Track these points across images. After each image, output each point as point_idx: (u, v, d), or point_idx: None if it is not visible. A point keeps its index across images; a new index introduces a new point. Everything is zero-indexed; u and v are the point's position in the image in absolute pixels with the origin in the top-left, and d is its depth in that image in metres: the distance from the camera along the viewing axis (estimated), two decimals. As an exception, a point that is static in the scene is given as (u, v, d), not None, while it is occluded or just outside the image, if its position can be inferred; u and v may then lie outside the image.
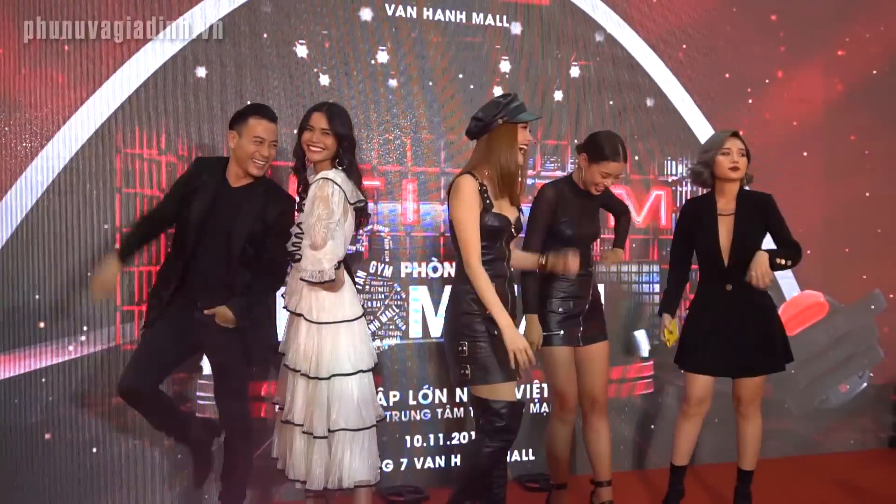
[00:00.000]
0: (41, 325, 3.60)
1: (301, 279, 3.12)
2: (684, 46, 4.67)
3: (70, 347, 3.62)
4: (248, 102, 3.81)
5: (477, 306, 2.99)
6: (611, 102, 4.51)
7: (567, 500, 3.67)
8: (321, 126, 3.20)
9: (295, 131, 3.33)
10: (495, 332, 2.96)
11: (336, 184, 3.10)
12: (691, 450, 3.77)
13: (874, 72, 5.10)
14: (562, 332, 3.49)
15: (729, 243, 3.58)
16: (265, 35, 3.90)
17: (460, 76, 4.24)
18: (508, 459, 3.29)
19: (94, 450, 3.66)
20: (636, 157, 4.55)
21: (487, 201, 3.00)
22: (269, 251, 3.29)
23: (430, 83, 4.20)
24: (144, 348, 3.34)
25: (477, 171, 3.04)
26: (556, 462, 3.61)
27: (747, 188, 3.74)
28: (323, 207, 3.06)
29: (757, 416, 3.71)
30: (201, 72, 3.80)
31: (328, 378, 3.15)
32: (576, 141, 4.25)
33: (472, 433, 4.02)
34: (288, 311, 3.27)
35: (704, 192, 3.76)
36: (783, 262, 3.50)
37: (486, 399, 2.99)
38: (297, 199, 3.31)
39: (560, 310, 3.50)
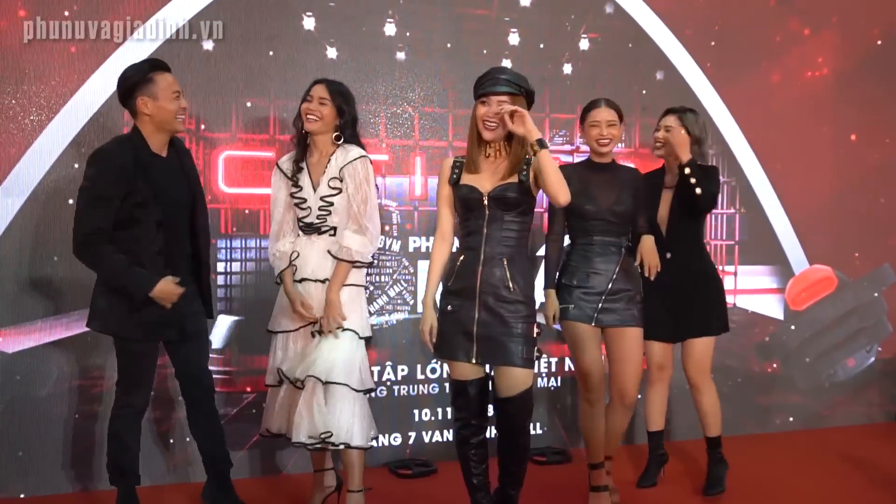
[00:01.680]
0: (51, 300, 3.60)
1: (338, 258, 3.16)
2: (695, 18, 4.62)
3: (73, 319, 3.61)
4: (256, 77, 3.80)
5: (445, 278, 3.02)
6: (622, 75, 4.47)
7: (603, 478, 3.51)
8: (319, 95, 3.19)
9: (297, 104, 3.30)
10: (448, 308, 2.95)
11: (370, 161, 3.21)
12: (662, 415, 3.89)
13: (879, 42, 5.04)
14: (571, 305, 3.42)
15: (667, 216, 3.72)
16: (272, 6, 3.86)
17: (469, 49, 4.20)
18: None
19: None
20: (645, 128, 4.51)
21: (455, 174, 2.99)
22: (204, 212, 3.27)
23: (438, 56, 4.16)
24: (148, 363, 3.15)
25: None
26: (587, 442, 3.52)
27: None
28: (369, 189, 3.17)
29: (708, 384, 3.75)
30: (208, 45, 3.77)
31: (341, 331, 3.17)
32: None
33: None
34: (287, 281, 3.24)
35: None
36: (693, 179, 3.56)
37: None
38: (291, 168, 3.26)
39: (574, 282, 3.43)
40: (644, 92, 4.52)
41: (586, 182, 3.46)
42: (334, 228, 3.22)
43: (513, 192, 2.91)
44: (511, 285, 2.90)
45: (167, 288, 3.03)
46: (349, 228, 3.19)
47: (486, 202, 2.92)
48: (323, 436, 3.08)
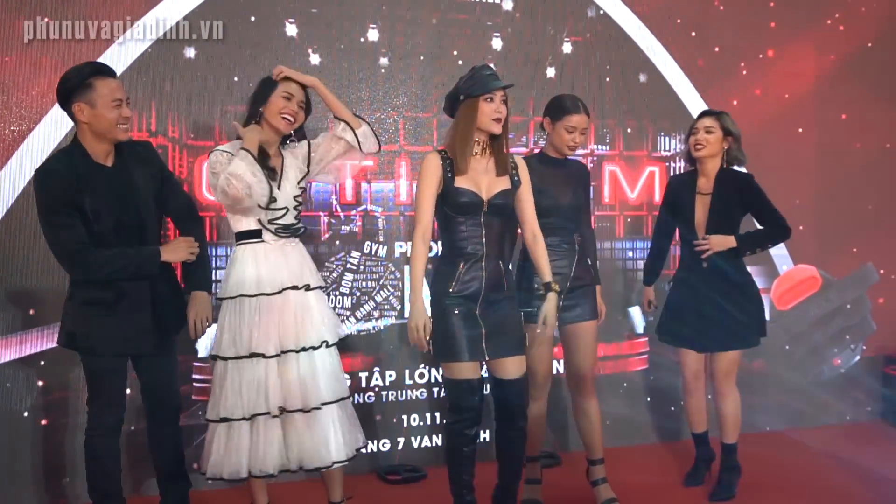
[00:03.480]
0: (31, 311, 3.58)
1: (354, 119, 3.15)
2: (677, 21, 4.64)
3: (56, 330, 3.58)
4: (239, 84, 3.80)
5: (442, 283, 3.03)
6: (606, 79, 4.49)
7: (538, 472, 3.62)
8: (300, 98, 3.11)
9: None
10: (455, 312, 2.99)
11: None
12: (704, 417, 3.90)
13: (869, 44, 5.08)
14: (534, 308, 3.35)
15: (705, 222, 3.67)
16: (254, 14, 3.85)
17: (452, 53, 4.20)
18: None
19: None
20: (628, 131, 4.53)
21: (449, 174, 3.00)
22: (178, 197, 3.13)
23: (422, 61, 4.16)
24: (118, 379, 3.02)
25: (448, 148, 3.06)
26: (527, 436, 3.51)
27: (737, 168, 3.78)
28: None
29: (733, 391, 3.76)
30: (190, 52, 3.75)
31: (318, 347, 3.06)
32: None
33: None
34: (259, 295, 3.02)
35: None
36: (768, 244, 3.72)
37: (444, 375, 3.09)
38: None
39: (536, 286, 3.39)
40: (627, 95, 4.54)
41: (543, 177, 3.43)
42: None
43: (510, 200, 3.09)
44: (506, 283, 3.10)
45: (176, 245, 2.99)
46: (340, 132, 3.16)
47: (485, 209, 3.03)
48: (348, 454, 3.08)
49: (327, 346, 3.09)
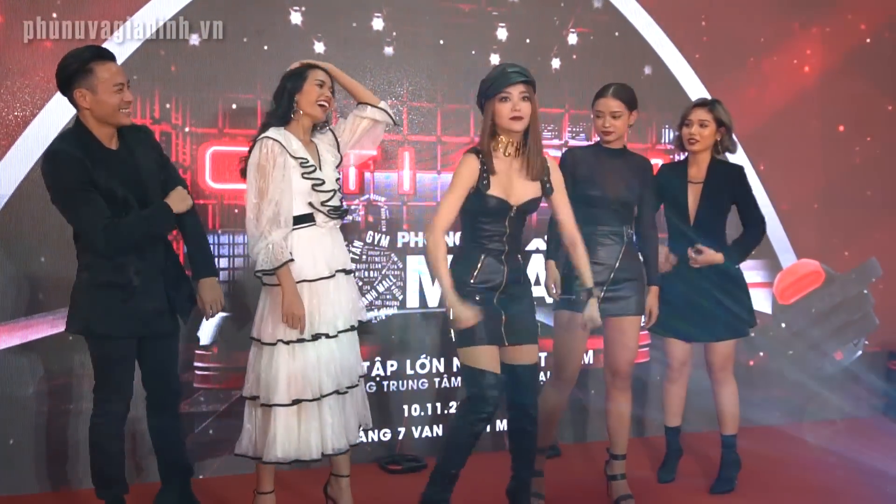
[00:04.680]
0: (40, 296, 3.57)
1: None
2: (683, 13, 4.63)
3: (59, 317, 3.58)
4: (243, 73, 3.78)
5: (462, 273, 3.01)
6: (611, 71, 4.47)
7: (542, 463, 3.54)
8: (330, 83, 3.15)
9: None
10: (476, 298, 2.97)
11: None
12: (681, 411, 3.90)
13: (875, 39, 5.06)
14: (573, 296, 3.36)
15: (696, 210, 3.68)
16: (259, 1, 3.83)
17: (457, 43, 4.19)
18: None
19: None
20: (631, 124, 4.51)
21: (484, 181, 2.95)
22: (176, 182, 3.10)
23: (426, 51, 4.15)
24: (126, 366, 3.03)
25: (482, 147, 2.99)
26: (540, 427, 3.44)
27: (729, 157, 3.79)
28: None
29: (730, 380, 3.76)
30: (194, 40, 3.74)
31: (355, 328, 3.21)
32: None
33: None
34: (314, 276, 3.08)
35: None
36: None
37: (463, 364, 3.05)
38: (294, 146, 3.08)
39: (576, 277, 3.34)
40: (632, 87, 4.51)
41: (594, 167, 3.42)
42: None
43: (535, 205, 3.09)
44: (523, 276, 3.14)
45: (176, 195, 3.02)
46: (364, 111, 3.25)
47: (512, 214, 3.02)
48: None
49: (353, 329, 3.20)
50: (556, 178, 3.11)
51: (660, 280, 3.56)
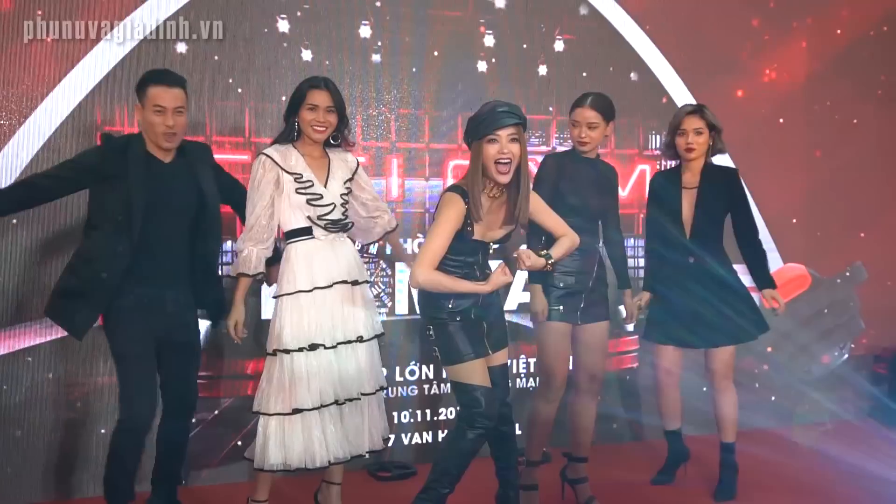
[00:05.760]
0: (34, 302, 3.54)
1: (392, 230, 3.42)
2: (668, 20, 4.66)
3: (46, 326, 3.56)
4: (230, 80, 3.79)
5: (439, 300, 2.98)
6: (597, 77, 4.49)
7: (536, 476, 3.58)
8: (326, 104, 3.10)
9: (274, 106, 3.26)
10: (458, 319, 2.98)
11: None
12: (679, 413, 3.91)
13: (861, 41, 5.11)
14: (561, 307, 3.42)
15: (691, 217, 3.67)
16: (247, 9, 3.84)
17: (444, 50, 4.20)
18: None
19: (103, 431, 3.66)
20: (619, 129, 4.54)
21: (469, 228, 2.93)
22: (236, 189, 3.29)
23: (414, 58, 4.16)
24: (147, 369, 3.08)
25: (468, 189, 2.92)
26: (534, 440, 3.55)
27: (722, 161, 3.83)
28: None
29: (731, 389, 3.76)
30: (181, 48, 3.74)
31: (377, 336, 3.26)
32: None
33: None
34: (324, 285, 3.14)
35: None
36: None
37: (455, 382, 3.04)
38: (291, 163, 3.11)
39: (561, 284, 3.43)
40: (618, 93, 4.53)
41: (573, 176, 3.44)
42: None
43: (510, 237, 3.10)
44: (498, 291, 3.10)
45: None
46: (384, 211, 3.38)
47: (489, 248, 3.04)
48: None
49: (361, 340, 3.18)
50: (534, 201, 3.05)
51: (629, 283, 3.69)
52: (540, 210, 3.10)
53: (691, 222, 3.67)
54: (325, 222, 3.12)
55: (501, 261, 3.02)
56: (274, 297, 3.16)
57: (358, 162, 3.30)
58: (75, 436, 3.64)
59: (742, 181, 3.76)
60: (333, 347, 3.11)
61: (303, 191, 3.08)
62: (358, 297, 3.20)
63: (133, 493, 3.15)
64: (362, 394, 3.17)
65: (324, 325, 3.09)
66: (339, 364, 3.12)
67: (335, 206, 3.14)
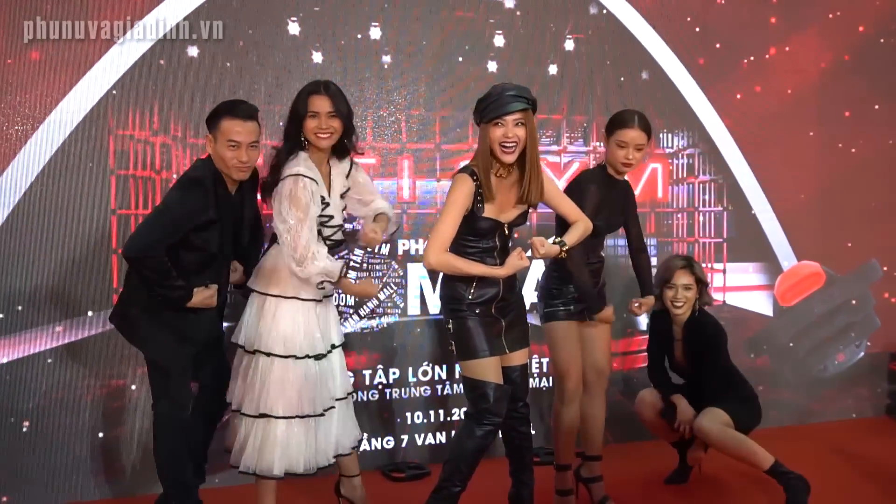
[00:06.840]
0: (40, 307, 3.58)
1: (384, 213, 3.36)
2: (679, 18, 4.64)
3: (61, 329, 3.60)
4: (242, 83, 3.80)
5: (459, 290, 3.03)
6: (608, 76, 4.49)
7: (570, 480, 3.57)
8: (326, 110, 3.06)
9: (286, 109, 3.25)
10: (476, 311, 3.01)
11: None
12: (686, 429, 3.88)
13: (872, 40, 5.07)
14: (571, 307, 3.41)
15: (685, 363, 3.90)
16: (257, 12, 3.85)
17: (454, 51, 4.20)
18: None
19: (101, 434, 3.69)
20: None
21: (479, 204, 2.96)
22: (255, 246, 3.33)
23: (424, 58, 4.16)
24: (183, 361, 3.13)
25: (477, 169, 2.97)
26: (561, 444, 3.52)
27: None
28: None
29: (729, 438, 3.67)
30: (193, 51, 3.76)
31: (336, 346, 3.28)
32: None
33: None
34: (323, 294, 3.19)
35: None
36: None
37: (466, 377, 3.06)
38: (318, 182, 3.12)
39: (572, 288, 3.41)
40: (629, 92, 4.53)
41: (605, 198, 3.39)
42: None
43: (525, 218, 3.12)
44: (517, 283, 3.18)
45: (203, 294, 3.11)
46: (377, 197, 3.33)
47: (505, 231, 3.04)
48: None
49: (334, 347, 3.25)
50: (549, 186, 3.09)
51: (653, 290, 3.73)
52: (555, 195, 3.13)
53: (686, 368, 3.89)
54: (331, 243, 3.17)
55: (518, 247, 3.03)
56: (264, 294, 3.12)
57: (352, 162, 3.26)
58: (93, 439, 3.66)
59: (718, 343, 3.79)
60: (327, 353, 3.19)
61: (322, 214, 3.11)
62: (331, 305, 3.29)
63: (203, 473, 3.27)
64: (336, 399, 3.23)
65: (321, 333, 3.17)
66: (332, 369, 3.21)
67: (340, 227, 3.20)
